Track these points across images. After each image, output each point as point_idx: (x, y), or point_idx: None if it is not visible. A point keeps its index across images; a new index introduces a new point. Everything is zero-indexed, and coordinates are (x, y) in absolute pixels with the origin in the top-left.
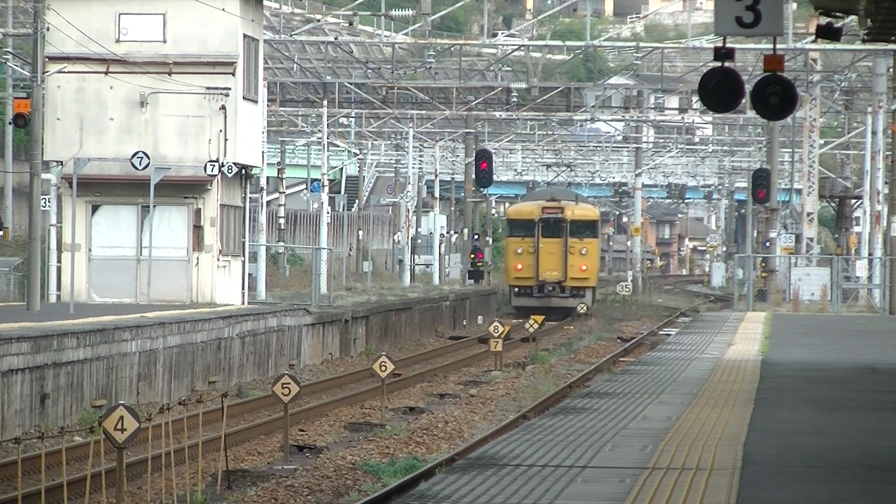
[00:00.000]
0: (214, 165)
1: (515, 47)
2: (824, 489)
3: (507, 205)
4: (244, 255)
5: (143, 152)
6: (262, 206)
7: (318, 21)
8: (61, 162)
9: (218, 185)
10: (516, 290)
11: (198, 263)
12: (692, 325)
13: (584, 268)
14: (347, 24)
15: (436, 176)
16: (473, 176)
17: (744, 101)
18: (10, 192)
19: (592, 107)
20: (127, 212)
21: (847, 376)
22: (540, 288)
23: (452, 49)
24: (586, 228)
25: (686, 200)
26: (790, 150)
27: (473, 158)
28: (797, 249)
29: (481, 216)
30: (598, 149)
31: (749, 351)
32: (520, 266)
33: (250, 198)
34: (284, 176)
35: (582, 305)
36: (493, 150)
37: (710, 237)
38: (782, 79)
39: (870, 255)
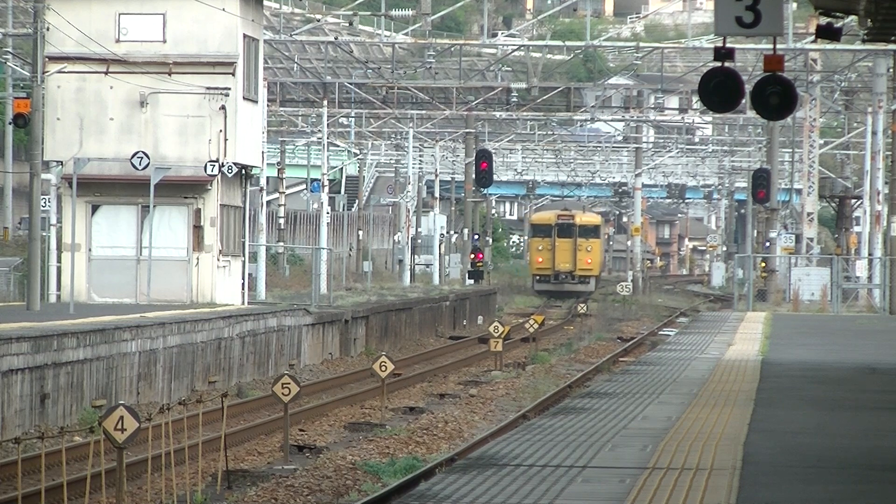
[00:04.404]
0: (214, 165)
1: (515, 47)
2: (824, 489)
3: (507, 204)
4: (244, 255)
5: (143, 152)
6: (261, 205)
7: (318, 21)
8: (61, 162)
9: (218, 185)
10: (537, 277)
11: (198, 263)
12: (692, 325)
13: (589, 261)
14: (347, 24)
15: (436, 176)
16: (473, 176)
17: (744, 101)
18: (10, 192)
19: (592, 107)
20: (127, 212)
21: (847, 376)
22: (556, 276)
23: (452, 49)
24: (591, 231)
25: (686, 200)
26: (790, 150)
27: (473, 158)
28: (797, 249)
29: (481, 216)
30: (598, 149)
31: (749, 351)
32: (540, 259)
33: (250, 191)
34: (284, 176)
35: (582, 306)
36: (493, 150)
37: (710, 237)
38: (782, 79)
39: (870, 255)
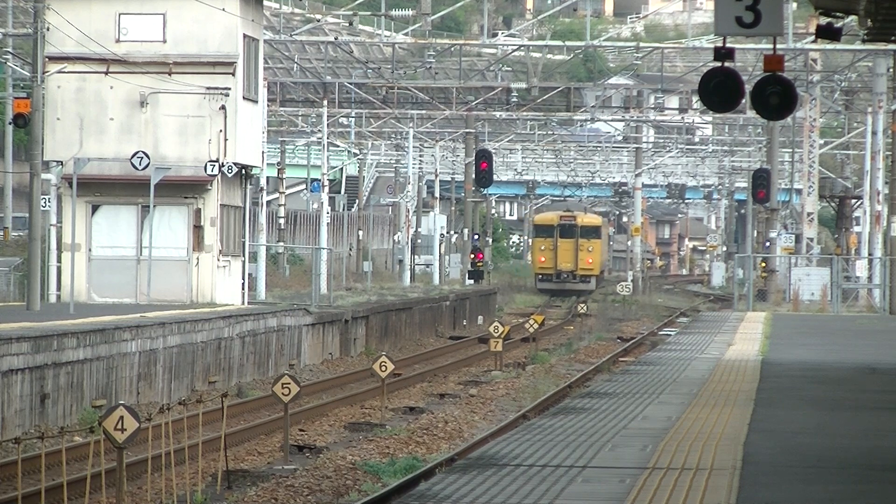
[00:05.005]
0: (214, 165)
1: (515, 47)
2: (824, 489)
3: (507, 204)
4: (244, 255)
5: (143, 152)
6: (260, 205)
7: (318, 21)
8: (61, 162)
9: (218, 185)
10: (540, 276)
11: (198, 263)
12: (692, 325)
13: (590, 261)
14: (347, 24)
15: (436, 176)
16: (473, 176)
17: (744, 101)
18: (10, 192)
19: (592, 107)
20: (127, 212)
21: (847, 376)
22: (558, 275)
23: (452, 49)
24: (592, 232)
25: (686, 200)
26: (790, 150)
27: (473, 158)
28: (797, 249)
29: (481, 216)
30: (598, 149)
31: (749, 351)
32: (543, 259)
33: (250, 190)
34: (284, 176)
35: (582, 306)
36: (493, 150)
37: (710, 237)
38: (782, 79)
39: (870, 255)
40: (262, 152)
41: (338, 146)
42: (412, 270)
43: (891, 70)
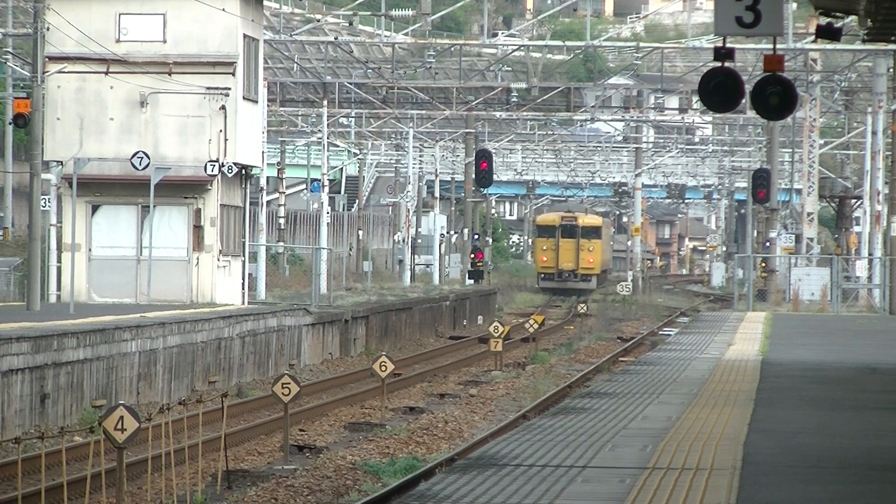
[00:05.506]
0: (214, 165)
1: (515, 47)
2: (824, 489)
3: (507, 204)
4: (244, 255)
5: (143, 152)
6: (261, 205)
7: (318, 21)
8: (61, 162)
9: (218, 185)
10: (542, 275)
11: (198, 263)
12: (692, 324)
13: (590, 260)
14: (347, 24)
15: (436, 176)
16: (473, 176)
17: (744, 101)
18: (10, 192)
19: (592, 107)
20: (127, 212)
21: (847, 376)
22: (559, 274)
23: (452, 49)
24: (593, 232)
25: (686, 200)
26: (790, 150)
27: (473, 158)
28: (797, 249)
29: (481, 216)
30: (598, 149)
31: (749, 351)
32: (545, 258)
33: (248, 190)
34: (284, 176)
35: (582, 306)
36: (493, 150)
37: (710, 237)
38: (782, 79)
39: (870, 255)
40: (262, 152)
41: (338, 146)
42: (412, 270)
43: (891, 70)
